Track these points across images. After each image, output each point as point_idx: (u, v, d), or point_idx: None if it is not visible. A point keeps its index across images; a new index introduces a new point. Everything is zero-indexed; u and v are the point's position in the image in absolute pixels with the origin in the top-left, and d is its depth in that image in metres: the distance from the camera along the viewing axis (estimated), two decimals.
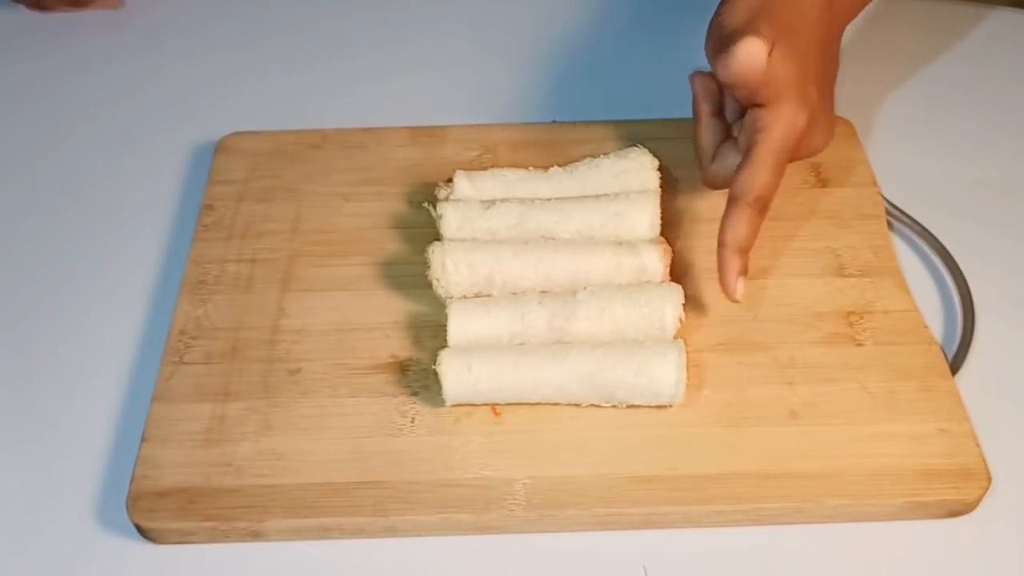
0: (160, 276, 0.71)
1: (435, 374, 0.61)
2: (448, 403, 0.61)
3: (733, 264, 0.63)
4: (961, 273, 0.70)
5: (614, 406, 0.62)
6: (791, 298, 0.67)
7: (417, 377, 0.64)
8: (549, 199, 0.68)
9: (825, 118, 0.69)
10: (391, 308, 0.67)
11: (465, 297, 0.65)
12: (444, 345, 0.63)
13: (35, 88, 0.86)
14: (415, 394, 0.63)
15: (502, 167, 0.72)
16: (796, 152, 0.65)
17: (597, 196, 0.68)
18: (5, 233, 0.75)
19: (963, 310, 0.68)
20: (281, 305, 0.68)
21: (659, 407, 0.62)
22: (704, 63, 0.66)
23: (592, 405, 0.62)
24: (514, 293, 0.65)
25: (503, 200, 0.68)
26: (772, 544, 0.58)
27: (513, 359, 0.61)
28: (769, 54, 0.62)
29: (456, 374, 0.60)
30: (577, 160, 0.71)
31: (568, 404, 0.62)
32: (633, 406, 0.62)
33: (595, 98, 0.83)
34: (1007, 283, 0.70)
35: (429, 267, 0.66)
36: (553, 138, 0.76)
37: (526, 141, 0.77)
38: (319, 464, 0.60)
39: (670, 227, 0.70)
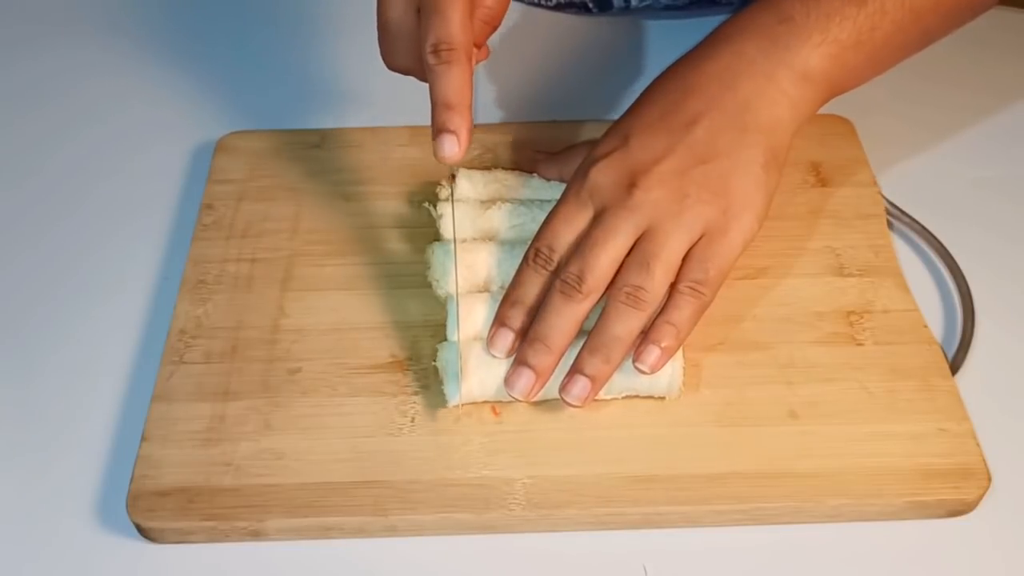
0: (160, 276, 0.71)
1: (435, 373, 0.61)
2: (449, 401, 0.61)
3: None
4: (961, 273, 0.70)
5: (613, 398, 0.62)
6: (791, 298, 0.67)
7: (417, 377, 0.64)
8: (549, 200, 0.68)
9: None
10: (391, 308, 0.67)
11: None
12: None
13: (36, 89, 0.86)
14: (415, 394, 0.63)
15: (502, 168, 0.72)
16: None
17: None
18: (5, 233, 0.75)
19: (963, 310, 0.68)
20: (281, 305, 0.68)
21: (659, 407, 0.62)
22: None
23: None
24: None
25: (503, 201, 0.68)
26: (772, 544, 0.58)
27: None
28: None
29: (456, 369, 0.60)
30: None
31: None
32: (631, 400, 0.62)
33: (595, 98, 0.83)
34: (1007, 283, 0.70)
35: (429, 268, 0.66)
36: (553, 138, 0.76)
37: (526, 141, 0.77)
38: (319, 464, 0.60)
39: None
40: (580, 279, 0.59)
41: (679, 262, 0.60)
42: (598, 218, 0.60)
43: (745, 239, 0.61)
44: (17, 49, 0.89)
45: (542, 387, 0.60)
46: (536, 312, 0.61)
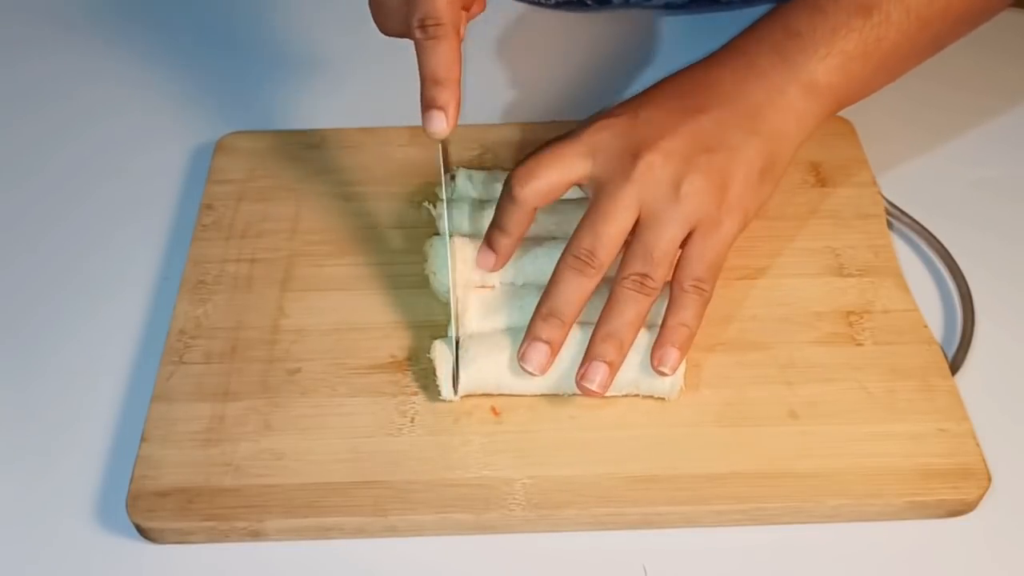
0: (160, 276, 0.71)
1: (435, 373, 0.61)
2: (444, 395, 0.61)
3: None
4: (961, 273, 0.70)
5: (614, 395, 0.62)
6: (790, 298, 0.67)
7: (417, 377, 0.64)
8: None
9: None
10: (391, 308, 0.67)
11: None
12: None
13: (36, 90, 0.86)
14: (415, 394, 0.63)
15: (502, 168, 0.72)
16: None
17: None
18: (5, 233, 0.75)
19: (963, 310, 0.68)
20: (281, 305, 0.68)
21: (659, 407, 0.62)
22: None
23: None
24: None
25: None
26: (772, 544, 0.58)
27: (512, 348, 0.61)
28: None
29: (451, 364, 0.61)
30: None
31: (567, 399, 0.62)
32: (631, 400, 0.62)
33: (595, 98, 0.83)
34: (1007, 283, 0.70)
35: (426, 260, 0.66)
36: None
37: (526, 141, 0.77)
38: (319, 464, 0.60)
39: None
40: (592, 253, 0.60)
41: (678, 249, 0.61)
42: (602, 189, 0.61)
43: (735, 235, 0.62)
44: (17, 49, 0.89)
45: (553, 362, 0.60)
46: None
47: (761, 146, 0.62)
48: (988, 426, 0.61)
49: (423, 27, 0.57)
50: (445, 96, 0.58)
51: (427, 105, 0.58)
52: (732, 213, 0.61)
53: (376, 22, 0.63)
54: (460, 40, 0.58)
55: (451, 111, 0.58)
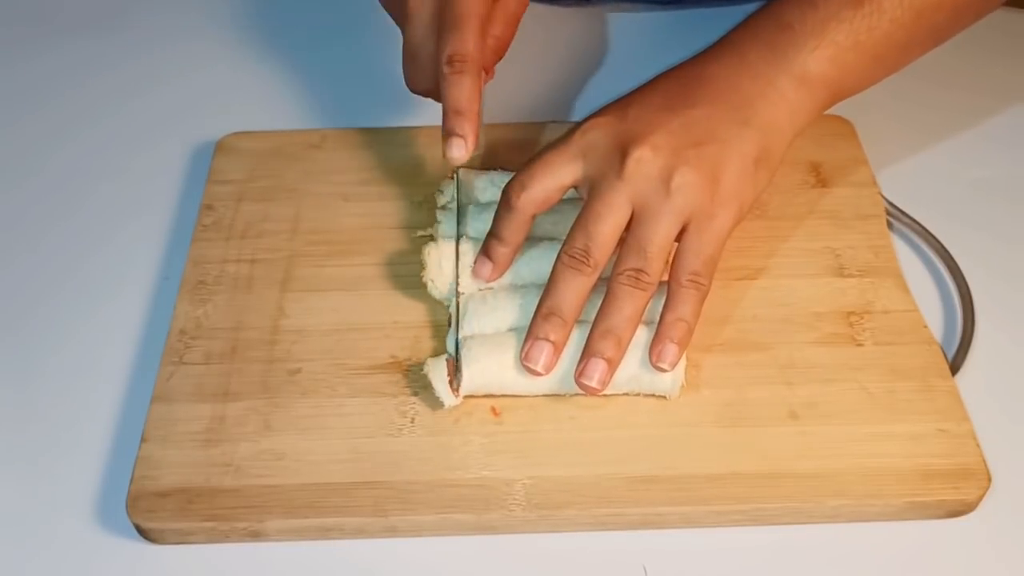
0: (160, 276, 0.71)
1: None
2: (446, 404, 0.61)
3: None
4: (961, 273, 0.70)
5: (614, 393, 0.62)
6: (790, 298, 0.67)
7: (417, 377, 0.63)
8: None
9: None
10: (391, 308, 0.67)
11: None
12: (443, 344, 0.64)
13: (36, 89, 0.86)
14: (415, 394, 0.63)
15: (502, 168, 0.72)
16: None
17: None
18: (6, 233, 0.75)
19: (963, 310, 0.68)
20: (281, 305, 0.68)
21: (659, 407, 0.62)
22: None
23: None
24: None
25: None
26: (772, 544, 0.58)
27: (514, 348, 0.61)
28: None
29: (446, 377, 0.61)
30: None
31: (567, 399, 0.62)
32: (632, 400, 0.62)
33: (595, 98, 0.83)
34: (1007, 283, 0.70)
35: (424, 268, 0.66)
36: (553, 138, 0.76)
37: (526, 141, 0.77)
38: (319, 464, 0.60)
39: None
40: (587, 252, 0.60)
41: (672, 243, 0.61)
42: (594, 188, 0.61)
43: (730, 228, 0.62)
44: (17, 49, 0.89)
45: (557, 361, 0.61)
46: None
47: (753, 137, 0.62)
48: (988, 426, 0.61)
49: (450, 62, 0.62)
50: (466, 127, 0.62)
51: (448, 133, 0.62)
52: (726, 206, 0.61)
53: (407, 80, 0.67)
54: (481, 80, 0.62)
55: (470, 140, 0.62)
